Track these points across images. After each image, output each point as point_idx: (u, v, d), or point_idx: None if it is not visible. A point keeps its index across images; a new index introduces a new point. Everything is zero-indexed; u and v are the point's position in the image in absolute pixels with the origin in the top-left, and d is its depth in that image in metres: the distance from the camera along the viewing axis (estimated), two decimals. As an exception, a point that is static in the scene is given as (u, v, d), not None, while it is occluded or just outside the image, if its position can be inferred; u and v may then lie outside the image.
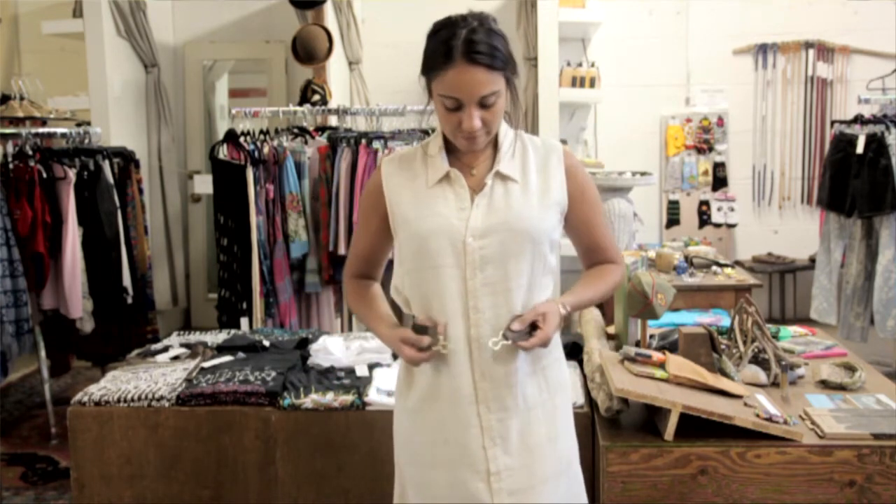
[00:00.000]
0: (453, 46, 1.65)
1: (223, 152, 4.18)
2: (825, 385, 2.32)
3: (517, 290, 1.75)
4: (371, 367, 2.84)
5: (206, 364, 2.90)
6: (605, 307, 3.04)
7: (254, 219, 4.09)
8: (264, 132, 4.43)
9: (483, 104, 1.69)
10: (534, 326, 1.72)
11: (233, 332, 3.46)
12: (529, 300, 1.77)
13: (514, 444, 1.77)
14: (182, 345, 3.17)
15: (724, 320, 2.94)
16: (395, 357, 2.95)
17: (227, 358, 2.97)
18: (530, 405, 1.79)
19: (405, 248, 1.80)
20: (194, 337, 3.34)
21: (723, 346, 2.36)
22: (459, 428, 1.76)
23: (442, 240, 1.73)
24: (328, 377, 2.78)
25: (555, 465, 1.81)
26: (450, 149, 1.82)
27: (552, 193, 1.80)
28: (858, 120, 4.57)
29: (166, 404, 2.62)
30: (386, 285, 1.93)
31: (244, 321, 4.14)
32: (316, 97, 4.86)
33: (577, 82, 5.89)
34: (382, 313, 1.91)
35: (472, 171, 1.80)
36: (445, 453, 1.78)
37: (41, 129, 4.56)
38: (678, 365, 2.11)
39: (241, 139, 4.19)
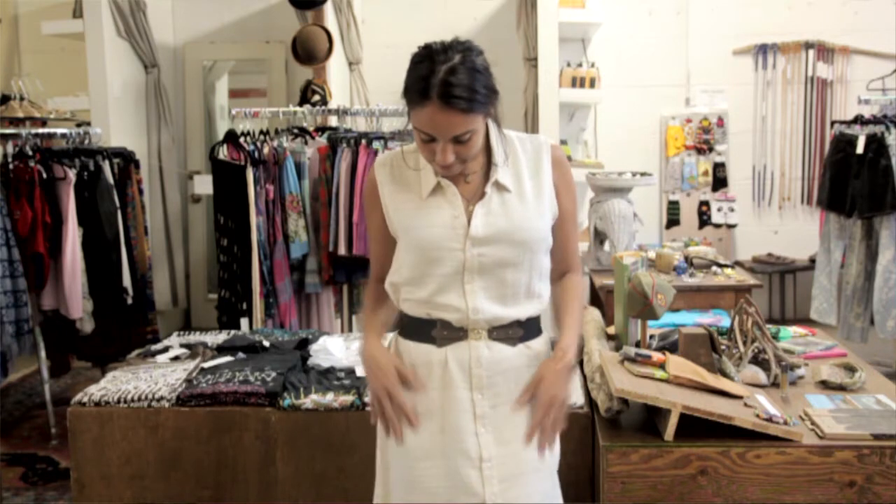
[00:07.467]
0: (430, 85, 1.60)
1: (223, 153, 4.18)
2: (825, 385, 2.32)
3: (515, 297, 1.78)
4: (371, 367, 2.84)
5: (206, 364, 2.90)
6: (605, 307, 3.04)
7: (254, 219, 4.09)
8: (264, 132, 4.43)
9: (457, 140, 1.66)
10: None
11: (233, 332, 3.46)
12: (528, 303, 1.80)
13: (506, 431, 1.78)
14: (182, 345, 3.17)
15: (724, 321, 2.94)
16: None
17: (227, 358, 2.97)
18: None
19: (403, 254, 1.81)
20: (194, 337, 3.34)
21: (723, 347, 2.36)
22: (453, 413, 1.77)
23: (441, 250, 1.74)
24: (328, 377, 2.78)
25: (544, 455, 1.81)
26: None
27: (545, 198, 1.81)
28: (858, 120, 4.57)
29: (166, 405, 2.62)
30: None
31: (244, 322, 4.13)
32: (316, 97, 4.86)
33: (577, 82, 5.89)
34: (378, 323, 1.90)
35: (466, 178, 1.79)
36: (440, 442, 1.78)
37: (41, 130, 4.55)
38: (678, 365, 2.12)
39: (241, 139, 4.19)
